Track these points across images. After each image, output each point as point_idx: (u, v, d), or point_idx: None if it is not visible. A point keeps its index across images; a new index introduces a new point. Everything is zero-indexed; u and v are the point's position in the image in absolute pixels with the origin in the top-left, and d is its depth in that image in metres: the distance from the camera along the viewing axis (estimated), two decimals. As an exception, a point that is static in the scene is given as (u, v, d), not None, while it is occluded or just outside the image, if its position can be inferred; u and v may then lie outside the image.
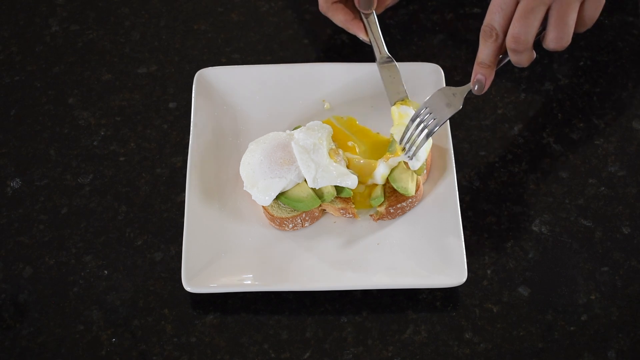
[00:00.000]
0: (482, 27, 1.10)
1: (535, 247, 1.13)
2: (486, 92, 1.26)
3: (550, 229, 1.15)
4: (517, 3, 1.07)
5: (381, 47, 1.23)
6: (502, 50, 1.11)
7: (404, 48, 1.31)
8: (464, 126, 1.24)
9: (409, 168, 1.14)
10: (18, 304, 1.10)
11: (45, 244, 1.14)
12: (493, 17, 1.08)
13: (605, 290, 1.10)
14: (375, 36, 1.23)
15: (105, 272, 1.12)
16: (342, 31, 1.33)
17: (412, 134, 1.13)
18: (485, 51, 1.10)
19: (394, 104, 1.17)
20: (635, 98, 1.26)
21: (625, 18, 1.34)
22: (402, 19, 1.34)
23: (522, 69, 1.28)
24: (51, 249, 1.14)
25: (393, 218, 1.14)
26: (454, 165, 1.16)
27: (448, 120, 1.18)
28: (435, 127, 1.12)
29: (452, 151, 1.17)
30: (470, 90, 1.13)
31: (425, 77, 1.23)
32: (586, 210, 1.16)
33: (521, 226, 1.15)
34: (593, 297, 1.10)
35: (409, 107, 1.16)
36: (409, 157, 1.14)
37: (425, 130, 1.13)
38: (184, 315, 1.09)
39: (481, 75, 1.11)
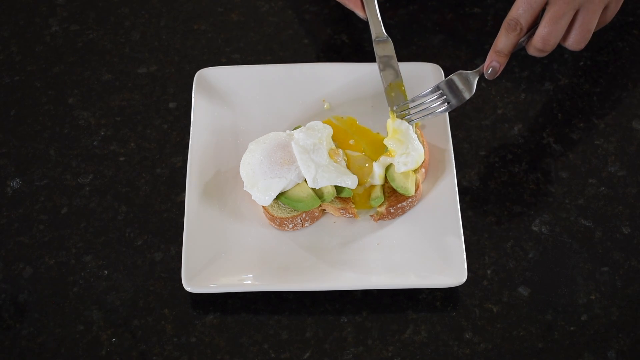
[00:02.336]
0: (507, 20, 1.12)
1: (535, 247, 1.13)
2: (486, 92, 1.26)
3: (550, 229, 1.15)
4: (545, 3, 1.11)
5: (377, 26, 1.23)
6: (519, 40, 1.14)
7: (404, 48, 1.31)
8: (464, 126, 1.24)
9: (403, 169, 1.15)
10: (18, 304, 1.10)
11: (45, 244, 1.14)
12: (521, 12, 1.12)
13: (605, 290, 1.10)
14: (371, 13, 1.23)
15: (105, 272, 1.12)
16: (342, 31, 1.33)
17: (410, 108, 1.16)
18: (505, 42, 1.13)
19: (390, 114, 1.17)
20: (635, 98, 1.26)
21: (625, 18, 1.34)
22: (402, 19, 1.34)
23: (522, 69, 1.28)
24: (51, 249, 1.14)
25: (393, 218, 1.14)
26: (454, 165, 1.16)
27: (448, 120, 1.18)
28: (448, 109, 1.16)
29: (452, 151, 1.17)
30: (482, 74, 1.15)
31: (425, 77, 1.23)
32: (586, 210, 1.16)
33: (521, 226, 1.15)
34: (593, 297, 1.10)
35: (405, 123, 1.16)
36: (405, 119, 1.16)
37: (429, 112, 1.16)
38: (184, 315, 1.09)
39: (496, 63, 1.14)
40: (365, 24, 1.34)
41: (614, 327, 1.08)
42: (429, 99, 1.16)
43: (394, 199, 1.13)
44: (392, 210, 1.13)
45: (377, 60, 1.21)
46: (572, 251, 1.13)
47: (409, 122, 1.16)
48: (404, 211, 1.14)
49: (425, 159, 1.16)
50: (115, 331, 1.08)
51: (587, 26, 1.12)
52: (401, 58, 1.29)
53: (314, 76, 1.24)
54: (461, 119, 1.24)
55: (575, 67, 1.29)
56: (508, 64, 1.16)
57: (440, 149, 1.18)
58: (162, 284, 1.11)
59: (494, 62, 1.14)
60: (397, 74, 1.20)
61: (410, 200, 1.13)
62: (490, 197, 1.18)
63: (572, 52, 1.30)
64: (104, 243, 1.14)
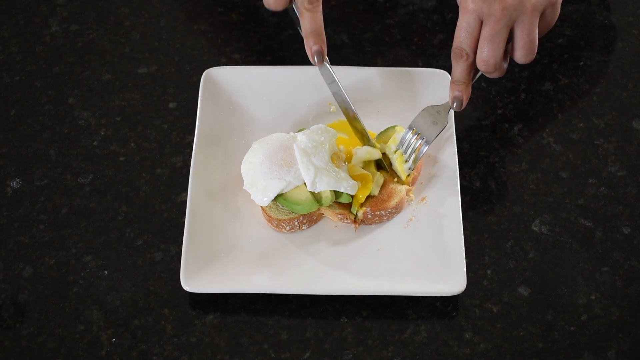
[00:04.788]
0: (452, 49, 1.14)
1: (535, 247, 1.13)
2: (486, 92, 1.26)
3: (550, 229, 1.15)
4: (481, 23, 1.11)
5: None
6: (474, 67, 1.14)
7: (404, 48, 1.31)
8: (464, 126, 1.24)
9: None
10: (18, 304, 1.10)
11: (45, 244, 1.14)
12: (461, 39, 1.13)
13: (605, 290, 1.10)
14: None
15: (105, 272, 1.12)
16: (342, 31, 1.33)
17: (406, 157, 1.16)
18: (458, 70, 1.14)
19: (399, 157, 1.18)
20: (635, 98, 1.26)
21: (625, 18, 1.34)
22: (402, 19, 1.34)
23: (522, 69, 1.28)
24: (51, 249, 1.14)
25: (370, 224, 1.13)
26: (458, 176, 1.15)
27: (455, 139, 1.18)
28: (426, 147, 1.16)
29: (457, 167, 1.16)
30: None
31: (432, 83, 1.23)
32: (586, 210, 1.16)
33: (521, 226, 1.15)
34: (593, 297, 1.10)
35: (408, 167, 1.17)
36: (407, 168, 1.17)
37: (414, 154, 1.16)
38: (184, 315, 1.09)
39: (458, 92, 1.15)
40: (365, 24, 1.34)
41: (614, 327, 1.08)
42: (411, 141, 1.16)
43: (374, 205, 1.13)
44: (369, 216, 1.13)
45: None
46: (572, 251, 1.13)
47: (409, 169, 1.16)
48: (381, 220, 1.14)
49: (414, 176, 1.17)
50: (115, 331, 1.08)
51: (528, 37, 1.11)
52: (401, 58, 1.30)
53: (322, 79, 1.24)
54: (461, 119, 1.24)
55: (575, 67, 1.29)
56: (509, 64, 1.16)
57: (446, 163, 1.17)
58: (162, 284, 1.11)
59: (455, 93, 1.15)
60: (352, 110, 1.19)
61: (389, 210, 1.13)
62: (490, 197, 1.18)
63: (572, 52, 1.30)
64: (104, 243, 1.14)
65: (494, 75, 1.14)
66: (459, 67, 1.14)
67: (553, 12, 1.13)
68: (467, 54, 1.13)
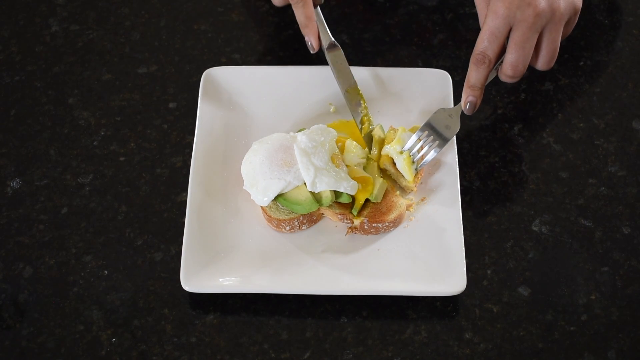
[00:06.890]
0: (474, 54, 1.13)
1: (535, 247, 1.13)
2: (486, 92, 1.26)
3: (550, 229, 1.15)
4: (509, 31, 1.11)
5: (325, 33, 1.23)
6: (490, 72, 1.15)
7: (404, 48, 1.31)
8: (464, 126, 1.23)
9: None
10: (18, 304, 1.10)
11: (45, 244, 1.14)
12: (487, 45, 1.12)
13: (605, 290, 1.10)
14: (319, 21, 1.23)
15: (105, 272, 1.12)
16: (342, 31, 1.33)
17: (415, 158, 1.16)
18: (476, 76, 1.14)
19: (407, 156, 1.17)
20: (635, 98, 1.26)
21: (625, 18, 1.34)
22: (402, 19, 1.35)
23: (522, 69, 1.29)
24: (51, 249, 1.14)
25: (366, 234, 1.13)
26: (459, 177, 1.15)
27: (455, 140, 1.18)
28: (440, 149, 1.16)
29: (457, 168, 1.16)
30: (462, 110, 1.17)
31: (432, 83, 1.23)
32: (586, 210, 1.16)
33: (521, 226, 1.15)
34: (593, 297, 1.10)
35: (414, 167, 1.17)
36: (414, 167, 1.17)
37: (427, 154, 1.16)
38: (184, 315, 1.09)
39: (473, 97, 1.15)
40: (365, 24, 1.34)
41: (614, 327, 1.08)
42: (422, 143, 1.16)
43: (372, 216, 1.13)
44: (366, 227, 1.12)
45: (330, 67, 1.22)
46: (572, 251, 1.13)
47: (417, 169, 1.16)
48: (377, 232, 1.13)
49: (420, 172, 1.16)
50: (115, 331, 1.08)
51: (553, 45, 1.12)
52: (401, 58, 1.30)
53: (322, 79, 1.24)
54: (461, 119, 1.24)
55: (575, 67, 1.29)
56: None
57: (445, 162, 1.17)
58: (162, 284, 1.11)
59: (470, 97, 1.15)
60: (352, 79, 1.21)
61: (387, 223, 1.13)
62: (490, 197, 1.18)
63: (572, 52, 1.30)
64: (104, 243, 1.14)
65: (515, 80, 1.14)
66: (478, 72, 1.13)
67: (574, 21, 1.14)
68: (489, 60, 1.12)
